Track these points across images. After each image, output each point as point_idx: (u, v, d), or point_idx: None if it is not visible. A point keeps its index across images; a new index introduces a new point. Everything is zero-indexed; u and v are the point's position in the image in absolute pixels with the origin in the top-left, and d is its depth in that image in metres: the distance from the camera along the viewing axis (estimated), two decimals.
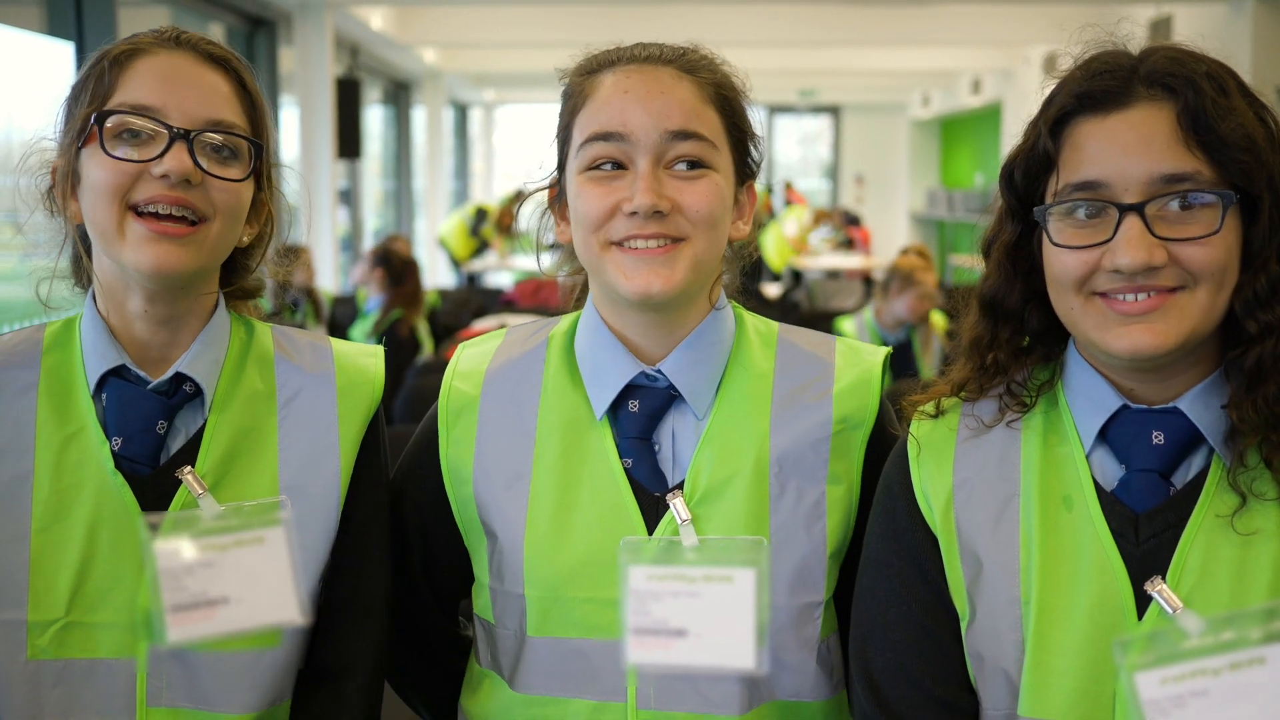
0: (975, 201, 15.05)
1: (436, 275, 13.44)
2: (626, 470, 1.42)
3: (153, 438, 1.40)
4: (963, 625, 1.32)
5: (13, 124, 6.10)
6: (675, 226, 1.37)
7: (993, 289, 1.36)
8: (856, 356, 1.50)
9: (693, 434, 1.43)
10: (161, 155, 1.33)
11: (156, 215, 1.33)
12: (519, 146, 19.93)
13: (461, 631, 1.62)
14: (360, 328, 6.36)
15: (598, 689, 1.40)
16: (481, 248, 12.93)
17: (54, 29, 6.02)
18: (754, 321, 1.52)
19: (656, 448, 1.43)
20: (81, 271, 1.47)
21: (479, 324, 7.17)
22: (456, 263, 12.80)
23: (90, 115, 1.36)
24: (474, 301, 8.69)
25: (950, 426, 1.37)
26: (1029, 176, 1.32)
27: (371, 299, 6.39)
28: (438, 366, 5.30)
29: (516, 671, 1.44)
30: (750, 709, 1.39)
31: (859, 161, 19.24)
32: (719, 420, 1.43)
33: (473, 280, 12.68)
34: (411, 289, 6.30)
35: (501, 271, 13.14)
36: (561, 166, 1.47)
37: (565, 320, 1.54)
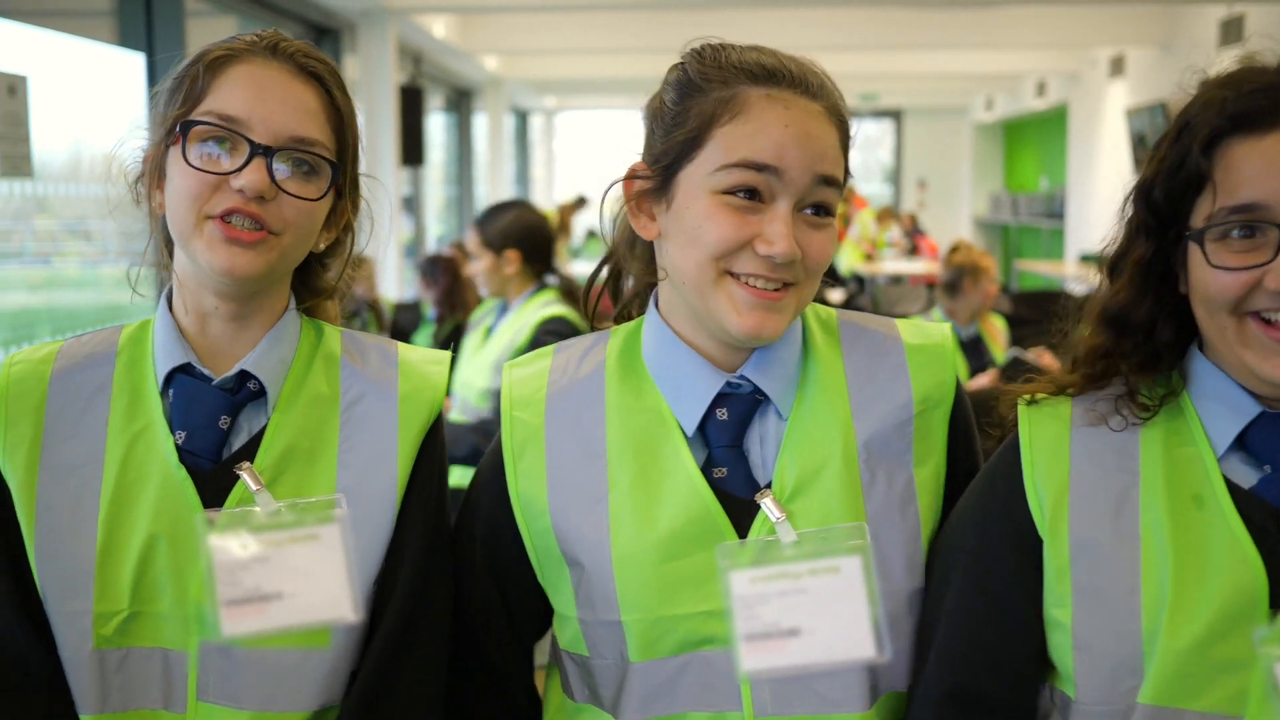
0: (1039, 205, 14.89)
1: None
2: (720, 479, 1.40)
3: (215, 433, 1.42)
4: (1064, 615, 1.31)
5: (84, 135, 6.20)
6: (794, 273, 1.36)
7: (1122, 303, 1.36)
8: (922, 331, 1.48)
9: (779, 434, 1.41)
10: (240, 169, 1.35)
11: (230, 222, 1.36)
12: (579, 153, 19.99)
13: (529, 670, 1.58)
14: (423, 335, 6.39)
15: (711, 702, 1.37)
16: None
17: (125, 40, 6.12)
18: (813, 310, 1.50)
19: (746, 453, 1.41)
20: (163, 263, 1.50)
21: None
22: None
23: (179, 119, 1.38)
24: None
25: (1063, 418, 1.37)
26: (1172, 195, 1.31)
27: (431, 308, 6.43)
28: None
29: (620, 700, 1.41)
30: (874, 703, 1.37)
31: (921, 166, 19.10)
32: (800, 414, 1.41)
33: None
34: (459, 296, 6.29)
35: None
36: (669, 166, 1.39)
37: (620, 334, 1.50)
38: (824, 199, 1.35)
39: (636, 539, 1.38)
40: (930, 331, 1.48)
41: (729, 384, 1.41)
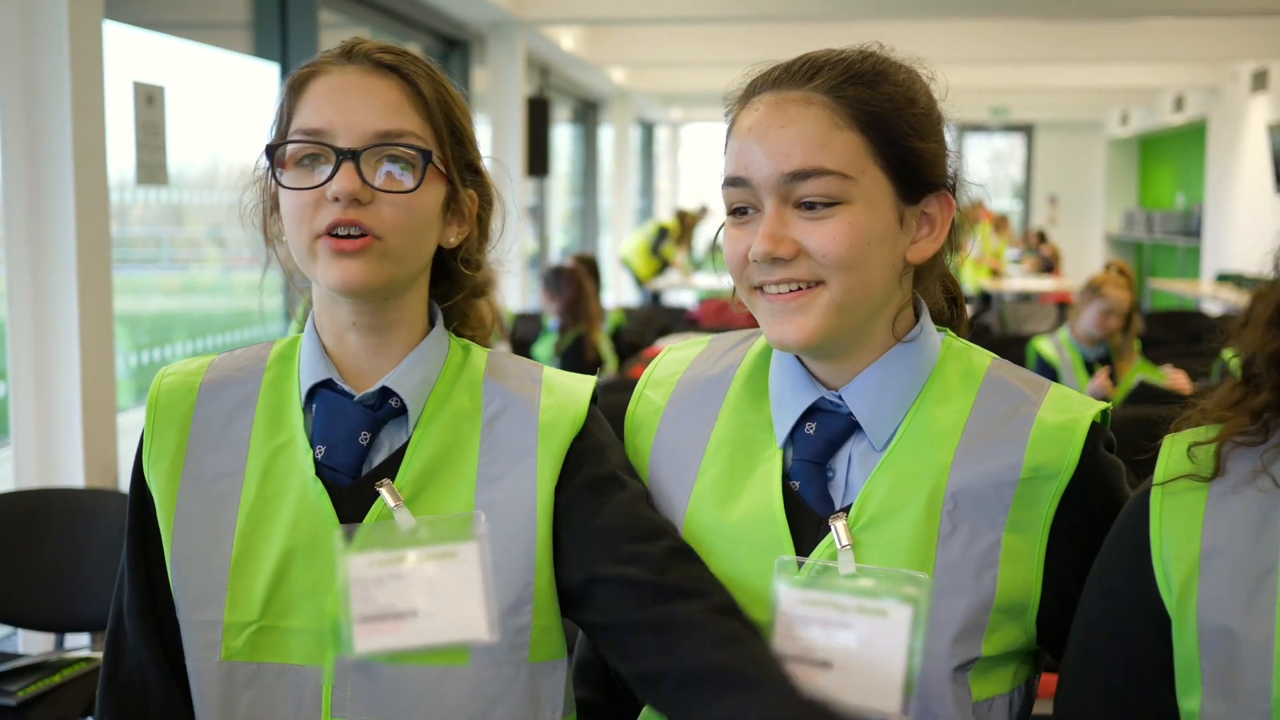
0: (1176, 223, 14.52)
1: (621, 293, 13.55)
2: (795, 490, 1.37)
3: (355, 448, 1.41)
4: (1194, 703, 1.19)
5: (220, 144, 6.35)
6: (807, 270, 1.30)
7: None
8: (1066, 403, 1.36)
9: (869, 463, 1.36)
10: (331, 178, 1.34)
11: (335, 235, 1.35)
12: (704, 165, 19.99)
13: None
14: (543, 346, 6.42)
15: None
16: (664, 266, 12.99)
17: (260, 51, 6.27)
18: (965, 354, 1.42)
19: (830, 474, 1.37)
20: (293, 288, 1.51)
21: (662, 342, 7.18)
22: (640, 282, 12.88)
23: (268, 147, 1.39)
24: (658, 320, 8.71)
25: (1203, 472, 1.23)
26: None
27: (553, 319, 6.46)
28: (621, 384, 5.32)
29: None
30: None
31: (1052, 181, 18.75)
32: (900, 450, 1.35)
33: (656, 298, 12.74)
34: (583, 307, 6.30)
35: (684, 290, 13.18)
36: None
37: (763, 338, 1.48)
38: (809, 193, 1.29)
39: (706, 532, 1.38)
40: (1073, 405, 1.36)
41: (825, 400, 1.38)
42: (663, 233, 13.06)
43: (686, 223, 13.73)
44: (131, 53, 4.97)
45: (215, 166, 6.40)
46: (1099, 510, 1.32)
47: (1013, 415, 1.35)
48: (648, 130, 17.24)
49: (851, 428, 1.37)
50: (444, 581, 1.34)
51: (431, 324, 1.48)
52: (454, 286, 1.52)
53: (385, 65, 1.39)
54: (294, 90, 1.40)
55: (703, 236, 14.42)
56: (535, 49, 9.83)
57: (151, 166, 4.20)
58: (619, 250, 13.33)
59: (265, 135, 1.44)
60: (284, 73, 6.16)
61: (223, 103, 6.27)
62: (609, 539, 1.37)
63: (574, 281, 6.35)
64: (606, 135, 14.28)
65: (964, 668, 1.30)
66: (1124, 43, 10.40)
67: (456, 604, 1.33)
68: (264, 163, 1.42)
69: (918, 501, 1.32)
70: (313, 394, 1.43)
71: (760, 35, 10.04)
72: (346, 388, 1.42)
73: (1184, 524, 1.22)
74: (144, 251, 6.08)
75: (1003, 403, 1.37)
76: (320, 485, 1.39)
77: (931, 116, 1.37)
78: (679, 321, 8.85)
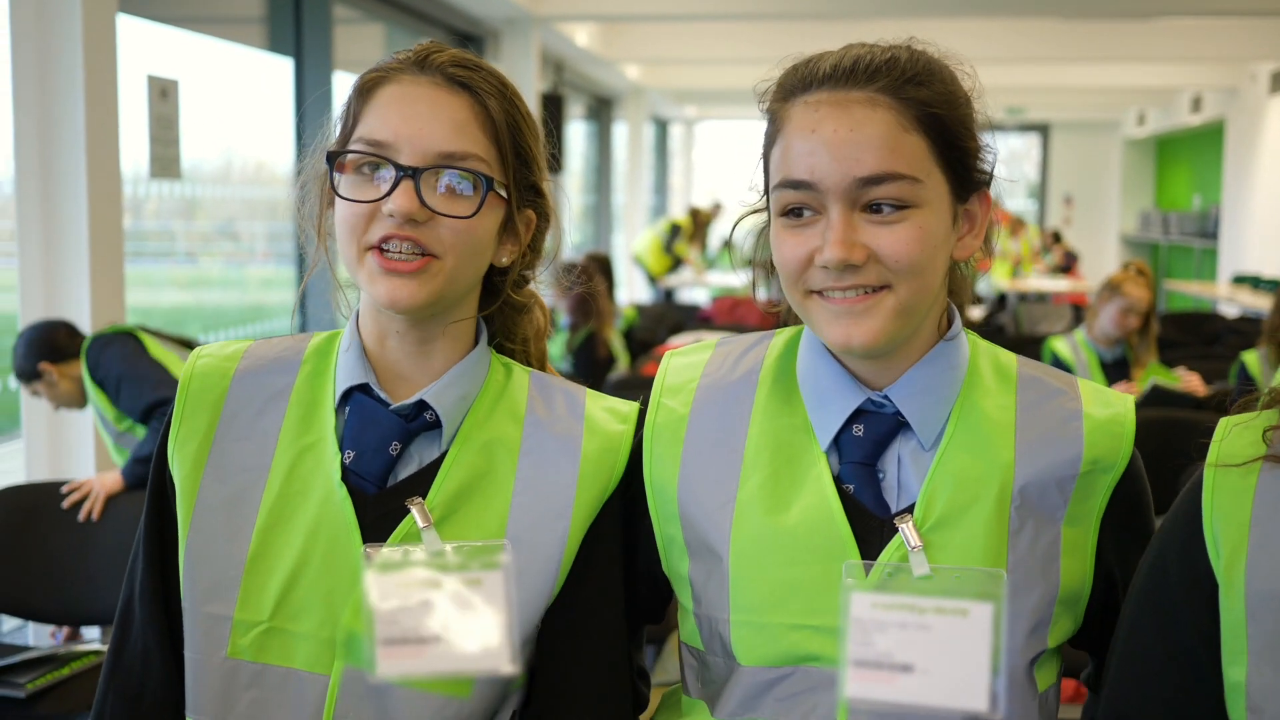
0: (1192, 224, 14.46)
1: (633, 290, 13.54)
2: (850, 494, 1.35)
3: (384, 457, 1.39)
4: (1239, 674, 1.23)
5: (233, 138, 6.36)
6: (875, 275, 1.28)
7: None
8: (1105, 397, 1.40)
9: (921, 462, 1.35)
10: (388, 194, 1.32)
11: (388, 251, 1.33)
12: (718, 162, 19.98)
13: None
14: (554, 344, 6.41)
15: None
16: (676, 264, 12.98)
17: (275, 45, 6.27)
18: (991, 351, 1.44)
19: (881, 475, 1.36)
20: (338, 287, 1.49)
21: (675, 340, 7.17)
22: (652, 279, 12.87)
23: (330, 152, 1.38)
24: (670, 317, 8.70)
25: (1255, 449, 1.27)
26: None
27: (564, 316, 6.44)
28: (633, 382, 5.31)
29: (720, 699, 1.38)
30: None
31: (1067, 181, 18.69)
32: (954, 448, 1.34)
33: (669, 296, 12.73)
34: (594, 305, 6.27)
35: (697, 288, 13.17)
36: (765, 193, 1.38)
37: (781, 338, 1.47)
38: (878, 198, 1.27)
39: (756, 540, 1.35)
40: (1113, 399, 1.41)
41: (871, 401, 1.36)
42: (675, 230, 13.05)
43: (699, 220, 13.72)
44: (145, 46, 4.97)
45: (229, 161, 6.40)
46: (1138, 500, 1.38)
47: (1060, 410, 1.38)
48: (662, 127, 17.23)
49: (897, 427, 1.36)
50: (469, 609, 1.32)
51: (475, 339, 1.47)
52: (495, 299, 1.51)
53: (457, 81, 1.37)
54: (362, 94, 1.38)
55: (716, 234, 14.41)
56: (550, 45, 9.82)
57: (165, 160, 4.20)
58: (632, 247, 13.32)
59: (331, 132, 1.42)
60: (298, 68, 6.16)
61: (236, 97, 6.27)
62: (581, 640, 1.43)
63: (585, 279, 6.33)
64: (620, 132, 14.26)
65: (1034, 661, 1.33)
66: (1141, 42, 10.36)
67: (480, 633, 1.31)
68: (321, 163, 1.41)
69: (986, 499, 1.32)
70: (346, 396, 1.41)
71: (776, 32, 10.03)
72: (383, 395, 1.40)
73: (1235, 495, 1.25)
74: (157, 245, 6.09)
75: (1044, 398, 1.39)
76: (345, 491, 1.37)
77: (973, 113, 1.36)
78: (691, 319, 8.83)
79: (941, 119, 1.30)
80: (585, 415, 1.47)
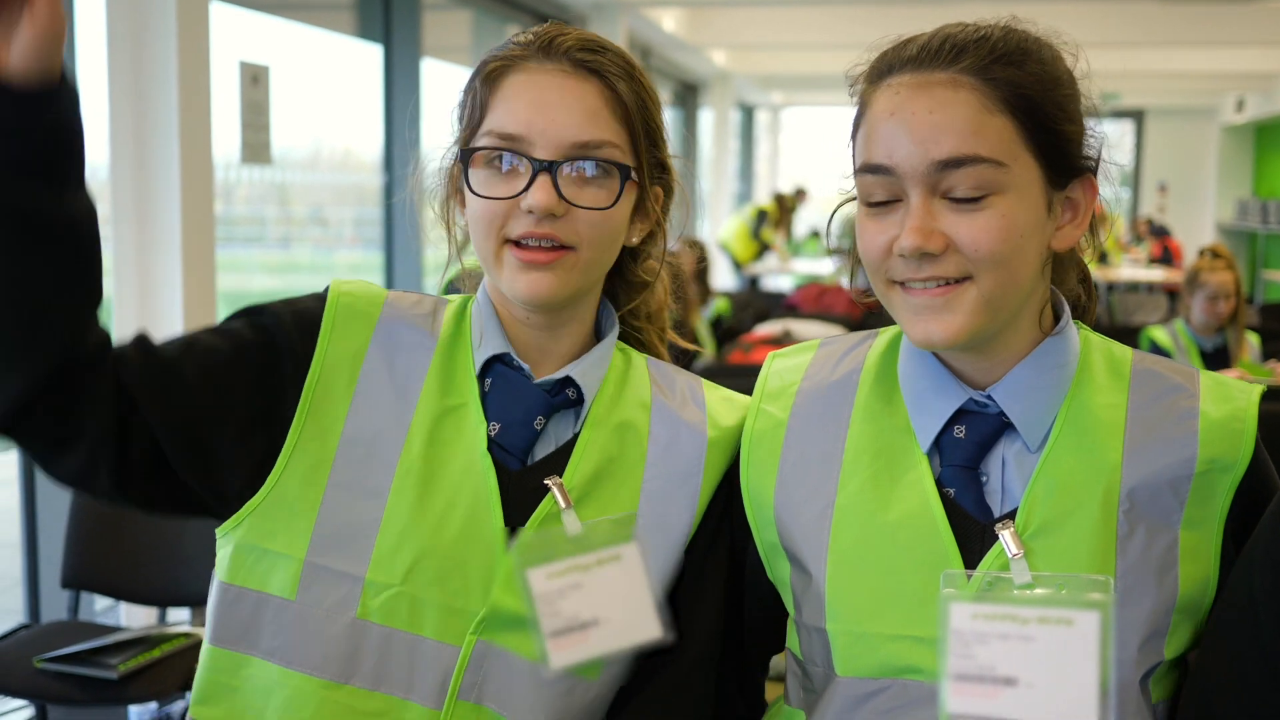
0: None
1: (718, 278, 13.49)
2: (951, 498, 1.30)
3: (529, 432, 1.38)
4: None
5: (323, 124, 6.42)
6: (955, 266, 1.22)
7: None
8: (1225, 391, 1.32)
9: (1025, 465, 1.30)
10: (525, 189, 1.31)
11: (525, 244, 1.32)
12: (803, 149, 19.83)
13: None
14: None
15: None
16: (763, 250, 12.91)
17: (364, 32, 6.30)
18: (1104, 346, 1.37)
19: (984, 478, 1.31)
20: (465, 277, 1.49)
21: (761, 328, 7.12)
22: (738, 265, 12.81)
23: (462, 146, 1.36)
24: (756, 305, 8.63)
25: None
26: None
27: None
28: (718, 370, 5.28)
29: (816, 710, 1.34)
30: None
31: (1162, 169, 18.31)
32: (1059, 450, 1.28)
33: (754, 283, 12.66)
34: (679, 291, 6.23)
35: (782, 275, 13.09)
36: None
37: (885, 336, 1.43)
38: (957, 184, 1.21)
39: (855, 547, 1.31)
40: (1234, 393, 1.33)
41: (973, 401, 1.31)
42: (762, 216, 12.98)
43: (785, 206, 13.62)
44: (238, 33, 5.02)
45: (318, 147, 6.46)
46: (1267, 499, 1.28)
47: (1174, 408, 1.30)
48: (747, 113, 17.13)
49: (1002, 428, 1.31)
50: (616, 585, 1.32)
51: (600, 322, 1.46)
52: (624, 284, 1.50)
53: (586, 66, 1.35)
54: (488, 82, 1.36)
55: (802, 220, 14.30)
56: (636, 30, 9.79)
57: (256, 146, 4.24)
58: (718, 234, 13.27)
59: (454, 119, 1.40)
60: (387, 54, 6.19)
61: (326, 83, 6.32)
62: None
63: (670, 265, 6.30)
64: (706, 118, 14.21)
65: (1149, 674, 1.26)
66: (1240, 26, 10.09)
67: (630, 607, 1.32)
68: (450, 155, 1.40)
69: (1091, 504, 1.26)
70: (486, 367, 1.39)
71: (861, 17, 9.91)
72: (523, 366, 1.39)
73: None
74: (247, 230, 6.16)
75: (1160, 395, 1.32)
76: (489, 461, 1.35)
77: (1075, 96, 1.31)
78: (777, 307, 8.76)
79: (1033, 100, 1.24)
80: (707, 404, 1.46)
